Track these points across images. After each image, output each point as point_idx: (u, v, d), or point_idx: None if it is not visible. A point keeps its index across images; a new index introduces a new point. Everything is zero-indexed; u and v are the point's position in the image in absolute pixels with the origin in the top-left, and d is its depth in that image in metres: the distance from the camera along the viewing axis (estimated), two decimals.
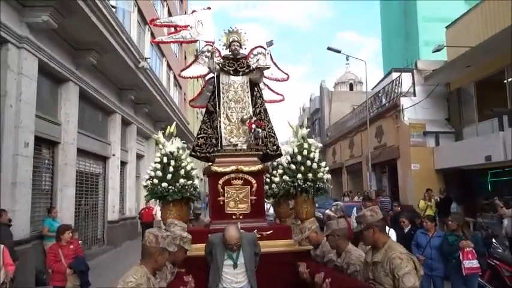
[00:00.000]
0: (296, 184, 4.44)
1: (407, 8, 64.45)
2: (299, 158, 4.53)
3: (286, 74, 5.52)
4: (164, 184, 4.35)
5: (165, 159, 4.49)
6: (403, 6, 65.80)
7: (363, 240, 3.04)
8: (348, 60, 36.21)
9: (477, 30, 13.33)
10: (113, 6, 10.14)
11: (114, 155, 12.51)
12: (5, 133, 6.62)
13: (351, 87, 37.37)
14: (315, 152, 4.60)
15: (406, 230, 6.72)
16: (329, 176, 4.65)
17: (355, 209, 9.45)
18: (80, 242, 6.17)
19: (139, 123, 15.08)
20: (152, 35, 15.70)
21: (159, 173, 4.41)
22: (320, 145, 4.92)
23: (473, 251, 5.28)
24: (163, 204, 4.54)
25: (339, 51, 18.09)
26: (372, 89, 23.70)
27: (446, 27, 15.90)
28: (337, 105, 31.35)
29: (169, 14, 19.23)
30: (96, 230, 11.59)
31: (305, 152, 4.55)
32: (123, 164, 13.84)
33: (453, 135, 15.45)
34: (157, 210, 11.98)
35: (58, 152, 8.92)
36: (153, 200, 4.74)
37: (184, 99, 24.92)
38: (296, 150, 4.62)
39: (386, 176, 19.64)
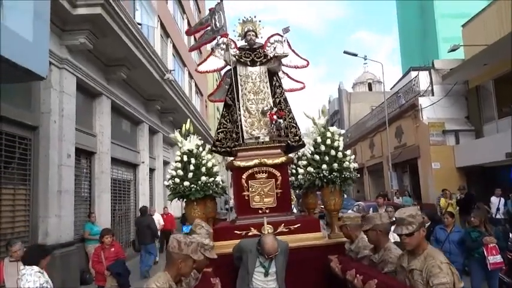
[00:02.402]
0: (321, 175, 4.20)
1: (424, 5, 63.60)
2: (323, 147, 4.29)
3: (306, 60, 5.23)
4: (186, 183, 4.23)
5: (185, 158, 4.38)
6: (419, 4, 65.00)
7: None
8: (365, 60, 36.30)
9: (493, 28, 13.36)
10: (139, 23, 10.83)
11: (143, 162, 13.15)
12: (50, 146, 7.32)
13: (370, 87, 37.34)
14: (338, 140, 4.37)
15: (425, 226, 7.03)
16: (356, 164, 4.43)
17: (371, 209, 9.74)
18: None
19: (165, 131, 15.71)
20: (174, 47, 16.44)
21: (180, 172, 4.30)
22: (343, 131, 4.67)
23: (497, 246, 5.39)
24: (186, 204, 4.43)
25: (356, 55, 18.30)
26: (390, 89, 23.72)
27: (462, 25, 15.93)
28: (356, 105, 31.46)
29: (189, 26, 19.97)
30: (129, 234, 12.22)
31: (328, 141, 4.31)
32: (152, 170, 14.49)
33: (473, 132, 15.44)
34: (159, 220, 11.20)
35: (94, 161, 9.60)
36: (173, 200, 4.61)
37: (206, 106, 25.59)
38: (319, 139, 4.37)
39: (407, 176, 19.70)
